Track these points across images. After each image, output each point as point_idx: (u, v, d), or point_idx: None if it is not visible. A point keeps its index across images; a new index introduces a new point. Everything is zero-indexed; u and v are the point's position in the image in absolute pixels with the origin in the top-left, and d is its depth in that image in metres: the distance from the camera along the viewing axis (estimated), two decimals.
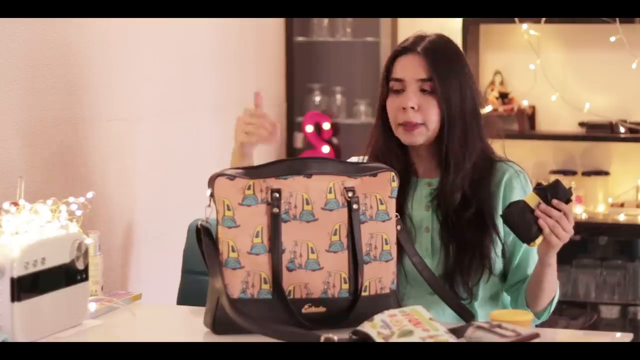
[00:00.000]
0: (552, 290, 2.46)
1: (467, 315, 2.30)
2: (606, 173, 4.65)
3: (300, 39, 4.79)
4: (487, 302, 2.53)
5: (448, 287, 2.44)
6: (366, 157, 2.55)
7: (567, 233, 2.30)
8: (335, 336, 2.00)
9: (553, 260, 2.38)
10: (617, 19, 4.37)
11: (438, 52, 2.48)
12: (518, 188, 2.51)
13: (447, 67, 2.47)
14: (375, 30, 4.75)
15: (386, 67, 2.53)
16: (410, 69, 2.47)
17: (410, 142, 2.49)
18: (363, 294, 2.22)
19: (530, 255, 2.51)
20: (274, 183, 2.21)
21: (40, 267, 2.16)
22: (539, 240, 2.31)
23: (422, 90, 2.46)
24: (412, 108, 2.45)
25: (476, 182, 2.49)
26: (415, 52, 2.48)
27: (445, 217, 2.48)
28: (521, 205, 2.30)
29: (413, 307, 2.06)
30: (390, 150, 2.52)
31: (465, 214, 2.46)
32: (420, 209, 2.53)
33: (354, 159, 2.55)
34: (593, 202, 4.61)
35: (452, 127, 2.46)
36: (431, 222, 2.51)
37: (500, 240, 2.48)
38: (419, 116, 2.46)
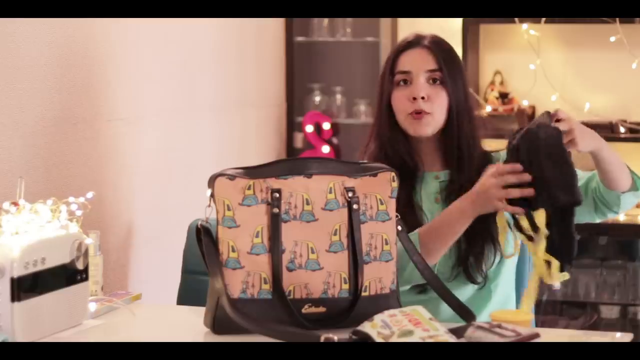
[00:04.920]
0: (619, 163, 2.44)
1: (467, 316, 2.30)
2: None
3: (300, 39, 4.79)
4: (501, 282, 2.58)
5: (462, 271, 2.51)
6: (366, 156, 2.57)
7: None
8: (335, 336, 2.00)
9: (596, 143, 2.36)
10: (617, 19, 4.37)
11: (442, 46, 2.58)
12: None
13: (452, 60, 2.56)
14: (375, 30, 4.75)
15: (389, 63, 2.57)
16: (418, 61, 2.54)
17: (419, 132, 2.53)
18: (363, 294, 2.22)
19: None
20: (274, 183, 2.21)
21: (40, 267, 2.15)
22: None
23: (433, 81, 2.54)
24: (422, 98, 2.51)
25: (480, 173, 2.50)
26: (421, 45, 2.56)
27: None
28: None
29: (413, 307, 2.05)
30: (396, 145, 2.55)
31: None
32: (430, 202, 2.56)
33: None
34: None
35: (461, 120, 2.55)
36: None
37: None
38: (429, 106, 2.52)
